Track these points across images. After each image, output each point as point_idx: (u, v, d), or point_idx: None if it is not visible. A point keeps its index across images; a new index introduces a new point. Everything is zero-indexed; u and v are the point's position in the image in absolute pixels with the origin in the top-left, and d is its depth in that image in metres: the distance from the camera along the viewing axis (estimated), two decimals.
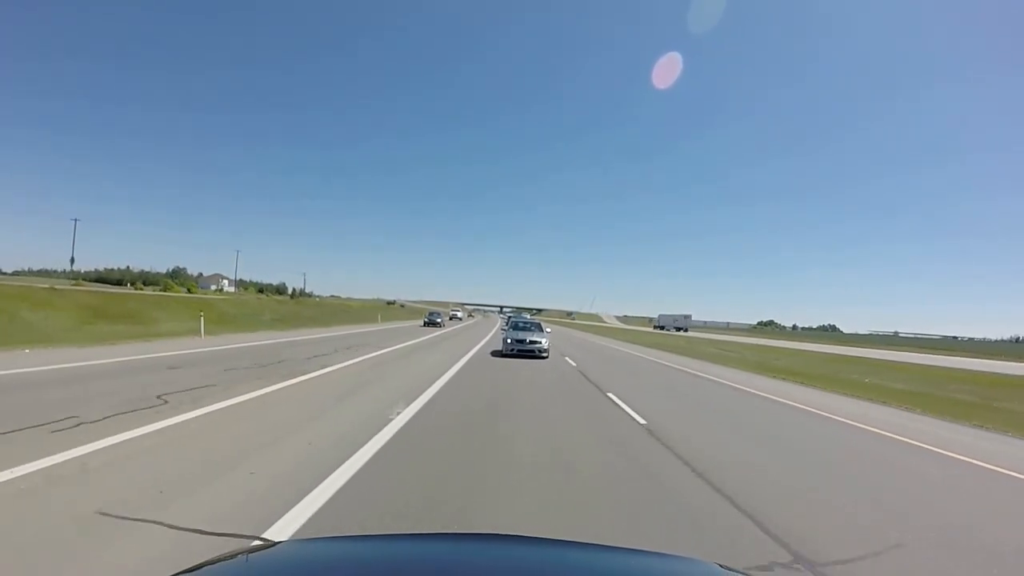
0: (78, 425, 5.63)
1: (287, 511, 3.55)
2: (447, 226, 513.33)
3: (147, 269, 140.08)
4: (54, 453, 4.54)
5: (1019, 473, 6.24)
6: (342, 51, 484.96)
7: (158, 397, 7.41)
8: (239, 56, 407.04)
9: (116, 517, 3.31)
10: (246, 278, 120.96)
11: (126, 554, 2.86)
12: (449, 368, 13.44)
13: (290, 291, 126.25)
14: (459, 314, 79.78)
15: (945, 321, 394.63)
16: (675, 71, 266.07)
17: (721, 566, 1.24)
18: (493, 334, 34.71)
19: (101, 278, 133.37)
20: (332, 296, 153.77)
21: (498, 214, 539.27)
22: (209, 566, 1.04)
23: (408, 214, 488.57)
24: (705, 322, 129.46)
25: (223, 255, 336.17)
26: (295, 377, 10.30)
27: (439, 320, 46.52)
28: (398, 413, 7.21)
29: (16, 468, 4.11)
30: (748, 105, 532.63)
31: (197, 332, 20.75)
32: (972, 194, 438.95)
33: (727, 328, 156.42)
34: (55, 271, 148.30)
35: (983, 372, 23.47)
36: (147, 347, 14.99)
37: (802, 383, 15.98)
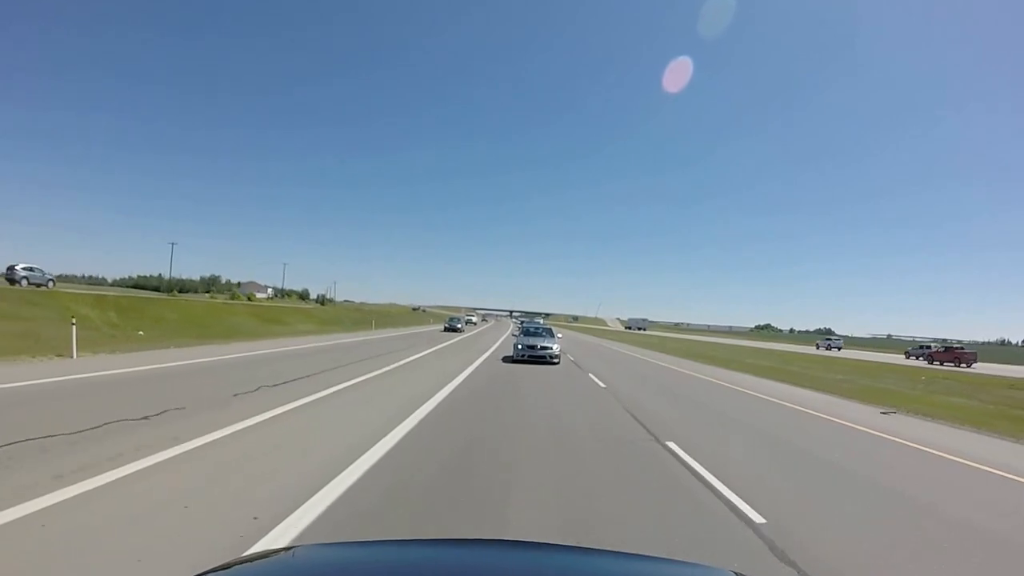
0: (368, 359, 16.36)
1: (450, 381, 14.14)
2: (459, 235, 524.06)
3: (178, 276, 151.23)
4: (374, 371, 15.29)
5: (781, 399, 16.67)
6: (360, 69, 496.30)
7: (388, 353, 18.09)
8: (252, 74, 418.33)
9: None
10: (260, 282, 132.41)
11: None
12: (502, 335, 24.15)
13: (315, 297, 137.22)
14: (474, 319, 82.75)
15: (945, 326, 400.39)
16: (685, 78, 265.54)
17: (736, 573, 1.22)
18: (511, 330, 46.48)
19: (138, 284, 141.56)
20: (346, 300, 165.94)
21: (508, 224, 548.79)
22: (224, 570, 1.07)
23: (420, 224, 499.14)
24: (709, 325, 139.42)
25: (220, 261, 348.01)
26: (438, 344, 21.29)
27: (459, 326, 45.17)
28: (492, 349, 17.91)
29: (343, 382, 14.81)
30: (757, 121, 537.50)
31: (319, 332, 31.47)
32: (965, 212, 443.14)
33: (729, 331, 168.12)
34: (97, 277, 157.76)
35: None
36: (320, 337, 25.66)
37: (712, 364, 24.49)
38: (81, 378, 8.87)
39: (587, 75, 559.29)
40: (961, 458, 6.85)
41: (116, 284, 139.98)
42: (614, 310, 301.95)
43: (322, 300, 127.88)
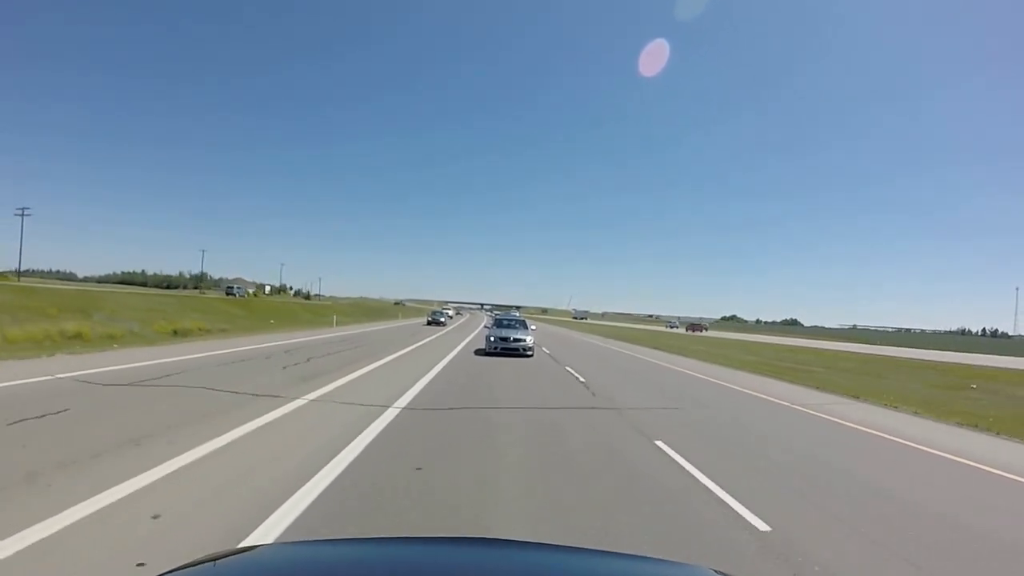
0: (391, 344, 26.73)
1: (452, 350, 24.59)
2: (428, 228, 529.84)
3: (159, 272, 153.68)
4: (398, 351, 25.71)
5: (733, 384, 27.51)
6: (327, 54, 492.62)
7: (412, 336, 28.43)
8: (234, 61, 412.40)
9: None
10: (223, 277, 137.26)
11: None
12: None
13: (304, 294, 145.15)
14: (450, 312, 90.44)
15: (912, 316, 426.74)
16: (661, 62, 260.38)
17: (717, 572, 1.23)
18: (485, 322, 57.03)
19: (124, 280, 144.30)
20: (330, 296, 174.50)
21: (480, 215, 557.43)
22: (192, 567, 1.05)
23: (388, 215, 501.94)
24: (679, 317, 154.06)
25: (191, 256, 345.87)
26: (447, 327, 31.61)
27: (443, 320, 46.61)
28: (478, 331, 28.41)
29: (386, 355, 25.23)
30: (734, 107, 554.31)
31: (348, 323, 41.37)
32: (931, 203, 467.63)
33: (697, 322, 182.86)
34: (65, 272, 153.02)
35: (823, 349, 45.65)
36: (346, 330, 35.66)
37: (642, 345, 36.25)
38: (317, 339, 20.31)
39: (562, 61, 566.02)
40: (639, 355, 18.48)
41: (102, 280, 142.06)
42: (586, 303, 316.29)
43: (308, 296, 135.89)
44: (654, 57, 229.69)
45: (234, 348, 16.77)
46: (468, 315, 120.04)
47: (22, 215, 73.55)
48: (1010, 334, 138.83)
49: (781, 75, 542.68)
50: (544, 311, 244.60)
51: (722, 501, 4.61)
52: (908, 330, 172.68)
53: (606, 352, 24.99)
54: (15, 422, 6.13)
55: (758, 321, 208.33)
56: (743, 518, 4.22)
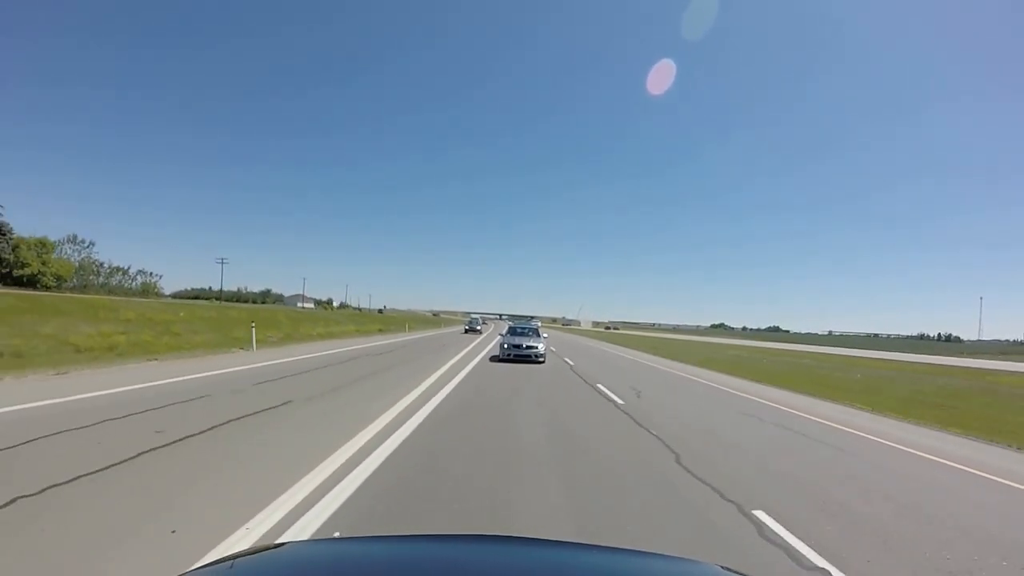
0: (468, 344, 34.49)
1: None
2: (449, 243, 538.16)
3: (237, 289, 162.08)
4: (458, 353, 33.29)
5: (683, 371, 34.65)
6: (346, 79, 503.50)
7: (465, 332, 38.85)
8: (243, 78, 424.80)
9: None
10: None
11: None
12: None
13: (337, 305, 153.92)
14: (483, 321, 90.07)
15: (882, 323, 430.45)
16: (667, 81, 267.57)
17: (724, 568, 1.22)
18: (503, 330, 65.13)
19: (197, 296, 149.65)
20: (364, 308, 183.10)
21: (496, 230, 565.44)
22: (216, 565, 1.05)
23: (409, 231, 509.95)
24: (676, 325, 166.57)
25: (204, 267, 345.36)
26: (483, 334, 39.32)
27: (479, 327, 51.19)
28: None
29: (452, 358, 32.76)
30: (741, 122, 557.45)
31: (417, 329, 49.93)
32: (913, 216, 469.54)
33: (695, 330, 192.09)
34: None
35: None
36: (413, 334, 43.30)
37: (627, 346, 43.87)
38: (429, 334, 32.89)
39: (590, 81, 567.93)
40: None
41: (176, 296, 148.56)
42: (595, 313, 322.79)
43: (381, 311, 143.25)
44: (661, 76, 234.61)
45: (403, 338, 29.11)
46: (493, 324, 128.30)
47: (222, 264, 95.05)
48: (963, 338, 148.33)
49: (769, 97, 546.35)
50: (554, 320, 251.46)
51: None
52: (876, 335, 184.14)
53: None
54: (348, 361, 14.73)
55: (744, 328, 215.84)
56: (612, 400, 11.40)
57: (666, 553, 1.45)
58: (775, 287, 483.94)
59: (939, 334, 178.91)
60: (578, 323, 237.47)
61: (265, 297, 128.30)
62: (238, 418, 7.00)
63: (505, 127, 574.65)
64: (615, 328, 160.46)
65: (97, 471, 4.50)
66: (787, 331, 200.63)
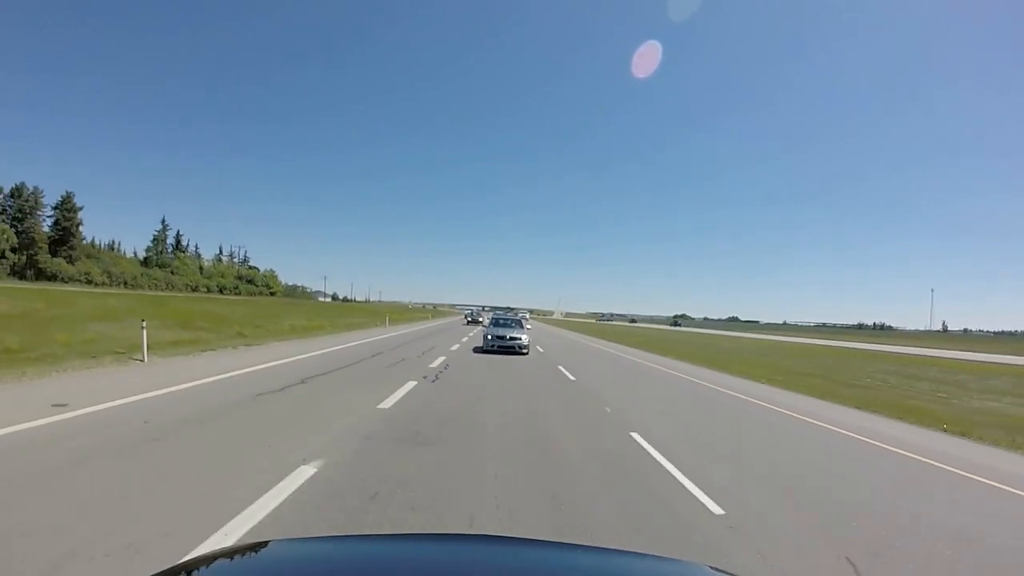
0: None
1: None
2: (430, 234, 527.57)
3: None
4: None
5: (627, 354, 38.82)
6: (330, 59, 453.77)
7: (466, 323, 42.15)
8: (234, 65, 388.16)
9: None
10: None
11: None
12: None
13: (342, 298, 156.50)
14: (480, 313, 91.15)
15: (833, 313, 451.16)
16: (653, 64, 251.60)
17: (713, 568, 1.19)
18: (486, 321, 69.68)
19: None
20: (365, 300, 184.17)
21: (474, 219, 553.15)
22: (200, 563, 1.01)
23: (387, 221, 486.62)
24: (651, 316, 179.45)
25: None
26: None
27: (481, 319, 52.22)
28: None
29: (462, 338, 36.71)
30: (728, 110, 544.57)
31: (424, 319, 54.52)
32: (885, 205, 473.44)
33: (650, 320, 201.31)
34: None
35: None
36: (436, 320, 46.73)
37: (583, 333, 47.65)
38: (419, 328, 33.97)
39: (561, 69, 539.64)
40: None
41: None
42: (575, 305, 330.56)
43: (344, 300, 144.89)
44: (646, 59, 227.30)
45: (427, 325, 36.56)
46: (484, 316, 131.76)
47: (324, 280, 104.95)
48: (894, 327, 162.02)
49: (757, 86, 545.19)
50: (531, 311, 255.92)
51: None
52: (824, 324, 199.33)
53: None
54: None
55: (705, 319, 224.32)
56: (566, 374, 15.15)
57: (657, 554, 1.42)
58: (739, 279, 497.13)
59: (874, 323, 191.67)
60: (552, 313, 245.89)
61: (292, 292, 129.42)
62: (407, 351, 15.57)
63: (488, 113, 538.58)
64: (609, 319, 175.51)
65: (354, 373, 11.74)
66: (745, 321, 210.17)
